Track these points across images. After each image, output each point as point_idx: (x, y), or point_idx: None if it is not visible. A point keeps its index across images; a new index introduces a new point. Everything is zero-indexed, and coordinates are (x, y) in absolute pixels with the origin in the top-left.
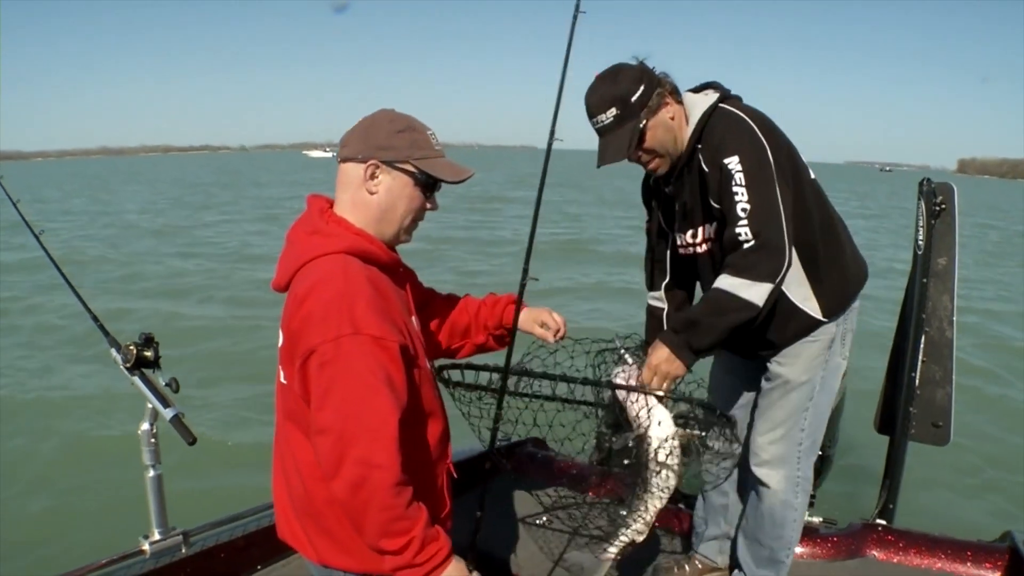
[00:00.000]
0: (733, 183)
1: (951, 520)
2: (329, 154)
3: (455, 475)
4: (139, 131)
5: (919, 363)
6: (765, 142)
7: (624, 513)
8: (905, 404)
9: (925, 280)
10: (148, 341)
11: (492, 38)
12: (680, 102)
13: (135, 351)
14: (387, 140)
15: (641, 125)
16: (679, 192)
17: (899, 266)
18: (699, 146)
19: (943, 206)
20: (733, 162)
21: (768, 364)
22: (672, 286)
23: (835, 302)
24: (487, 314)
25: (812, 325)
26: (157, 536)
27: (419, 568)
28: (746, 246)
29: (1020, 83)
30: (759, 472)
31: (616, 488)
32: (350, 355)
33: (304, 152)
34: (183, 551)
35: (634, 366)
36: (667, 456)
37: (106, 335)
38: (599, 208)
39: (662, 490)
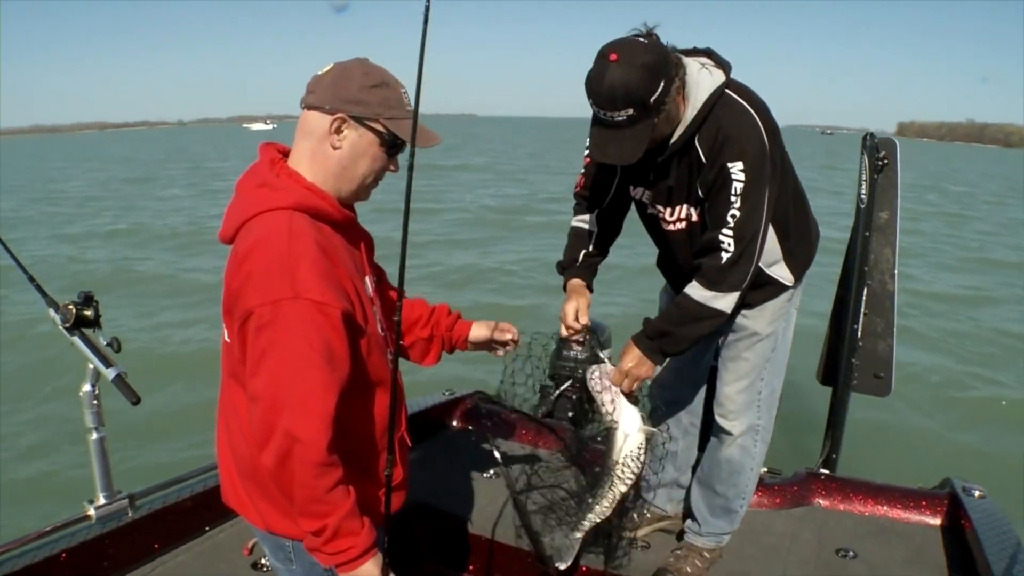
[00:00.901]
0: (731, 190)
1: (892, 468)
2: (270, 126)
3: (409, 444)
4: (73, 108)
5: (861, 315)
6: (767, 142)
7: (591, 500)
8: (847, 355)
9: (868, 233)
10: (88, 300)
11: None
12: (684, 84)
13: (75, 310)
14: (359, 94)
15: (654, 123)
16: (664, 172)
17: (839, 234)
18: (697, 133)
19: (886, 161)
20: (736, 168)
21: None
22: (605, 217)
23: (802, 267)
24: (442, 320)
25: (781, 289)
26: (102, 500)
27: (328, 557)
28: (724, 257)
29: (960, 49)
30: (722, 421)
31: (560, 443)
32: (288, 320)
33: (244, 125)
34: (129, 515)
35: (606, 365)
36: (636, 448)
37: (43, 295)
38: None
39: (628, 477)
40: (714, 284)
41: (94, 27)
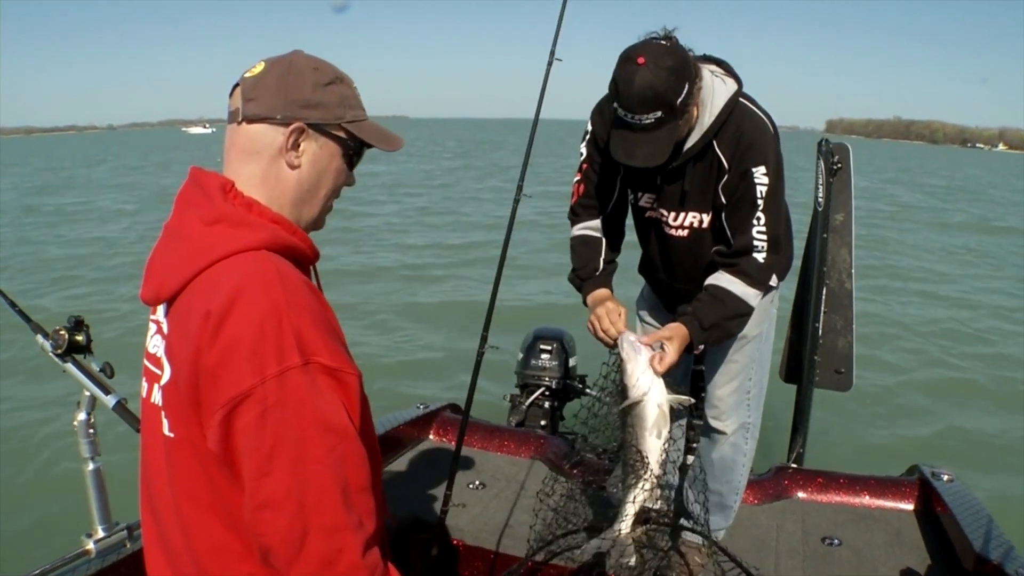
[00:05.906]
0: (756, 194)
1: (858, 460)
2: (209, 130)
3: (394, 523)
4: None
5: (821, 314)
6: (779, 149)
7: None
8: (809, 353)
9: (825, 235)
10: (78, 324)
11: (361, 5)
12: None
13: (66, 336)
14: (313, 95)
15: (678, 125)
16: (676, 176)
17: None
18: (715, 139)
19: (839, 165)
20: (759, 172)
21: None
22: (610, 222)
23: (785, 269)
24: None
25: (767, 290)
26: (101, 534)
27: None
28: (761, 257)
29: (885, 47)
30: (715, 422)
31: (540, 452)
32: (301, 394)
33: (183, 128)
34: (128, 546)
35: (639, 342)
36: (663, 419)
37: (27, 321)
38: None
39: (662, 451)
40: (757, 283)
41: (18, 29)
